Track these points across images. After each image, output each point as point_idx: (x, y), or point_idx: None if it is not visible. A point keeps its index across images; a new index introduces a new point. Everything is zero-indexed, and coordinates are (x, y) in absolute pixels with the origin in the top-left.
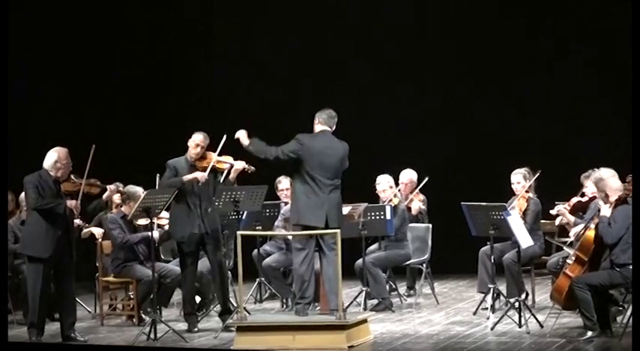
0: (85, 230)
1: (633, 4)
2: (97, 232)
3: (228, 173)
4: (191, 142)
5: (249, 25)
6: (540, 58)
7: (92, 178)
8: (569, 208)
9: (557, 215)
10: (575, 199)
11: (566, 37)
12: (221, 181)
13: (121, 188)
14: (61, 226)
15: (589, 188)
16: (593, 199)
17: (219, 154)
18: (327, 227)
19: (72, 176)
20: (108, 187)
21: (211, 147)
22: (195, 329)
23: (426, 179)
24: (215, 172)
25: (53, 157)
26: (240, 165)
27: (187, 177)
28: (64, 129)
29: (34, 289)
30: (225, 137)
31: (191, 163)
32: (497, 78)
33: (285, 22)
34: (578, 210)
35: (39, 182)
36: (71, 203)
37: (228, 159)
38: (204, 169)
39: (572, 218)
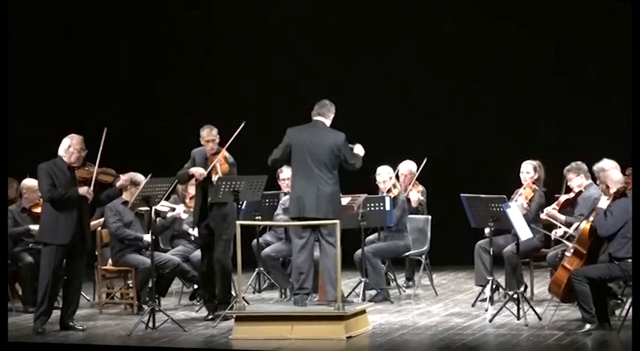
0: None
1: (633, 4)
2: (95, 223)
3: None
4: (201, 140)
5: (252, 19)
6: (540, 54)
7: (106, 166)
8: (557, 208)
9: (548, 219)
10: (563, 198)
11: (565, 36)
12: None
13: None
14: (75, 214)
15: (574, 181)
16: (579, 193)
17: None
18: (318, 218)
19: (88, 163)
20: (121, 176)
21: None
22: (210, 317)
23: (425, 160)
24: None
25: (66, 143)
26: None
27: (192, 170)
28: (66, 118)
29: (47, 276)
30: (243, 124)
31: (206, 156)
32: (498, 71)
33: (286, 16)
34: (567, 207)
35: (52, 170)
36: (83, 190)
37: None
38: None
39: (562, 218)
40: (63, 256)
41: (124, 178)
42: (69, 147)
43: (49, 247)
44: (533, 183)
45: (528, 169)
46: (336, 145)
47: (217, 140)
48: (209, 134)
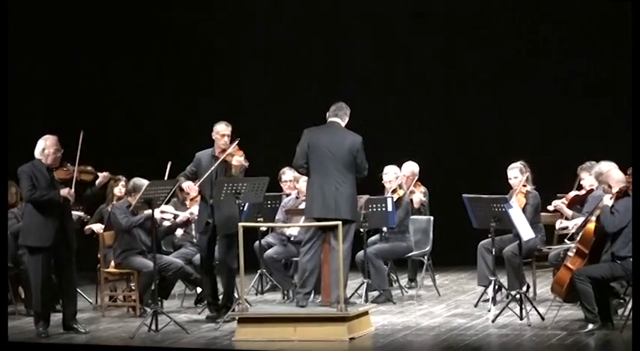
0: (86, 227)
1: (633, 4)
2: (97, 228)
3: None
4: (215, 134)
5: (256, 21)
6: (540, 54)
7: (86, 165)
8: (566, 202)
9: (556, 210)
10: (572, 193)
11: (565, 35)
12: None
13: (123, 181)
14: (57, 216)
15: (586, 180)
16: (590, 191)
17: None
18: (334, 219)
19: (66, 164)
20: (100, 174)
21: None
22: (218, 320)
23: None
24: (227, 163)
25: (41, 145)
26: (237, 161)
27: (183, 184)
28: (64, 120)
29: (36, 280)
30: (237, 141)
31: (214, 155)
32: (499, 72)
33: (291, 18)
34: (576, 203)
35: (32, 172)
36: (64, 191)
37: (236, 152)
38: (225, 159)
39: (570, 212)
40: (49, 258)
41: (102, 175)
42: (44, 149)
43: (33, 250)
44: (524, 185)
45: (515, 174)
46: (354, 146)
47: (229, 138)
48: (226, 129)
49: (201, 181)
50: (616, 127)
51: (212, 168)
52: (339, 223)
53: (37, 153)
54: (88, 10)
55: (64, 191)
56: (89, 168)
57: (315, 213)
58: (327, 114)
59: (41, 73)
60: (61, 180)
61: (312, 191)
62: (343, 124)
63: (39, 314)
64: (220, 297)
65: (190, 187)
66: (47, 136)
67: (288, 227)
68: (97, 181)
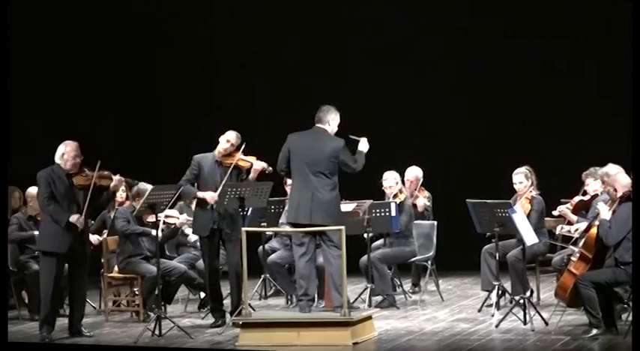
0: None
1: (633, 4)
2: (94, 239)
3: (248, 173)
4: (222, 138)
5: (258, 20)
6: (540, 57)
7: (103, 170)
8: (571, 207)
9: (560, 216)
10: (577, 199)
11: (565, 37)
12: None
13: (123, 186)
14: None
15: (590, 186)
16: (594, 197)
17: (244, 153)
18: (313, 224)
19: (84, 169)
20: (114, 177)
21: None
22: (217, 324)
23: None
24: (238, 169)
25: (61, 150)
26: (259, 165)
27: (200, 194)
28: (68, 127)
29: (48, 285)
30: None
31: (216, 160)
32: (502, 76)
33: (293, 20)
34: (581, 209)
35: (51, 177)
36: (73, 218)
37: (251, 159)
38: (228, 166)
39: (574, 217)
40: (63, 264)
41: (116, 179)
42: (63, 154)
43: (48, 255)
44: (529, 191)
45: (520, 179)
46: (334, 151)
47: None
48: (236, 139)
49: (221, 188)
50: (618, 131)
51: (226, 176)
52: (342, 227)
53: (57, 158)
54: (87, 10)
55: (73, 218)
56: (107, 173)
57: (290, 218)
58: (315, 118)
59: (40, 75)
60: (79, 186)
61: (291, 196)
62: (330, 129)
63: (44, 319)
64: (228, 302)
65: (213, 198)
66: (67, 141)
67: (291, 232)
68: (111, 185)
